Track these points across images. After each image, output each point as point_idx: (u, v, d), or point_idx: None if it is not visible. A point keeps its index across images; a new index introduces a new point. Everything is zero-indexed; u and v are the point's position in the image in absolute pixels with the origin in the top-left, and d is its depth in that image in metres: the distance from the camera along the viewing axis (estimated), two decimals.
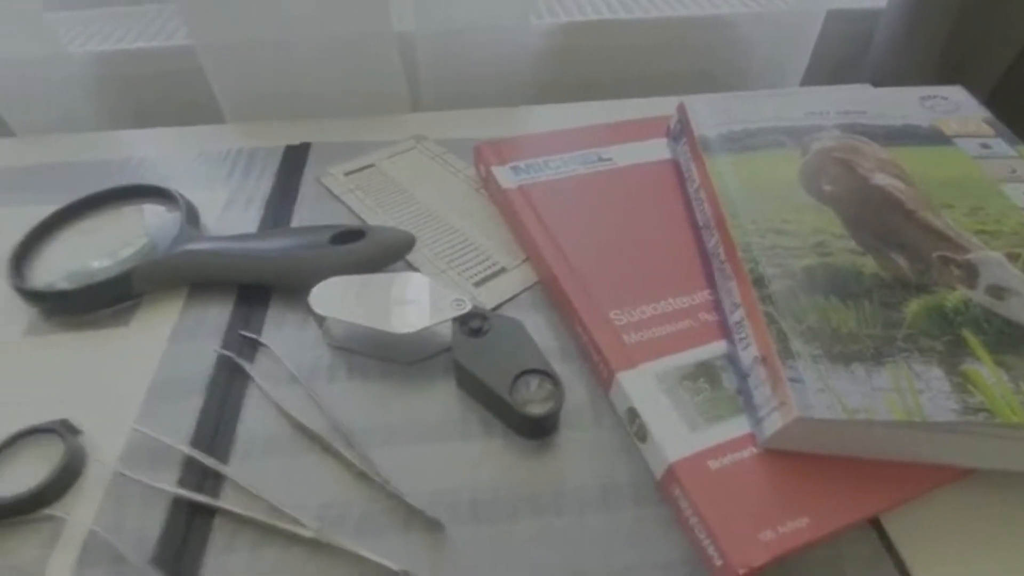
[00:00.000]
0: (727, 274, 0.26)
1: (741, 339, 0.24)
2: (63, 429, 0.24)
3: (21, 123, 0.47)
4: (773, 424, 0.21)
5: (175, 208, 0.34)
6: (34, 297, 0.30)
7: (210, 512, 0.23)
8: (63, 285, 0.30)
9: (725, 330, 0.26)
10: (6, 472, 0.24)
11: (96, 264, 0.31)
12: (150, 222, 0.34)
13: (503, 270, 0.33)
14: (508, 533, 0.22)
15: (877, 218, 0.27)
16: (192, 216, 0.34)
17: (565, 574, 0.21)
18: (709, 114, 0.35)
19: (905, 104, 0.36)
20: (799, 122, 0.33)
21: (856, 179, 0.29)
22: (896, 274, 0.25)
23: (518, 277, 0.32)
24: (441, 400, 0.27)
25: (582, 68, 0.54)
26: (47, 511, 0.23)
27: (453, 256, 0.34)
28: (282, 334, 0.29)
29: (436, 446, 0.25)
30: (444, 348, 0.28)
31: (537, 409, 0.24)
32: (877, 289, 0.24)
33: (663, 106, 0.41)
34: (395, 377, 0.28)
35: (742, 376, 0.24)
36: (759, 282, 0.25)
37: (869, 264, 0.25)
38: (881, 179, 0.29)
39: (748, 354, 0.24)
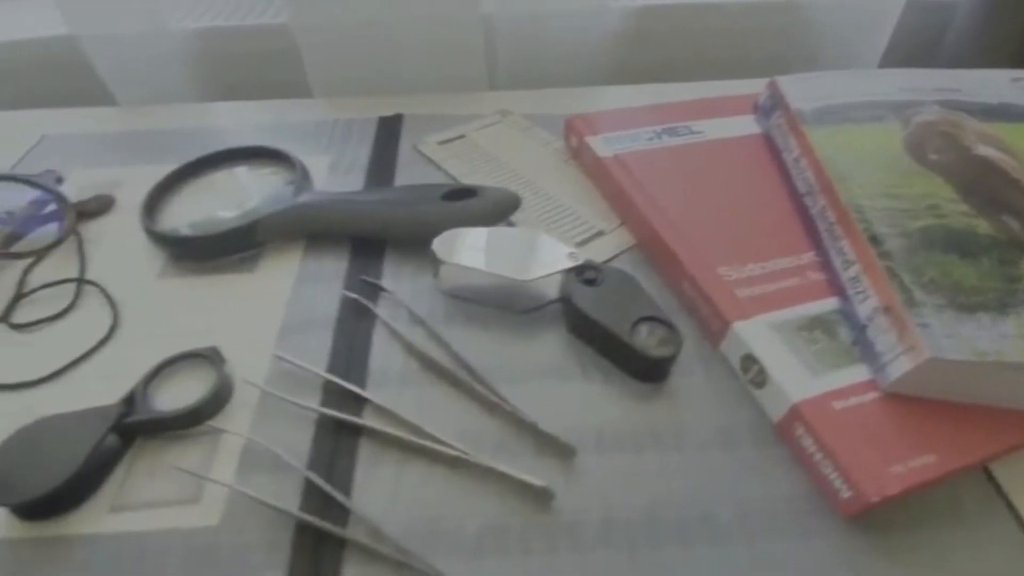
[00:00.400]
0: (837, 235, 0.27)
1: (858, 293, 0.25)
2: (214, 355, 0.27)
3: (124, 94, 0.50)
4: (900, 367, 0.22)
5: (289, 168, 0.36)
6: (167, 241, 0.32)
7: (355, 432, 0.25)
8: (190, 231, 0.33)
9: (836, 288, 0.27)
10: (163, 392, 0.26)
11: (223, 214, 0.33)
12: (268, 179, 0.36)
13: (600, 233, 0.34)
14: (635, 464, 0.24)
15: (984, 186, 0.28)
16: (306, 175, 0.36)
17: (693, 503, 0.22)
18: (801, 90, 0.36)
19: (997, 84, 0.36)
20: (895, 97, 0.34)
21: (961, 149, 0.30)
22: (1009, 235, 0.25)
23: (615, 240, 0.34)
24: (554, 346, 0.28)
25: (654, 51, 0.55)
26: (206, 425, 0.25)
27: (551, 219, 0.35)
28: (399, 284, 0.31)
29: (555, 386, 0.26)
30: (553, 299, 0.30)
31: (658, 351, 0.25)
32: (994, 248, 0.25)
33: (735, 89, 0.42)
34: (508, 324, 0.29)
35: (859, 328, 0.25)
36: (874, 240, 0.26)
37: (983, 225, 0.26)
38: (984, 150, 0.30)
39: (867, 306, 0.25)
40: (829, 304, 0.26)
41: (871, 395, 0.23)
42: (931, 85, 0.36)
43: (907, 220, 0.26)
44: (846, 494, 0.21)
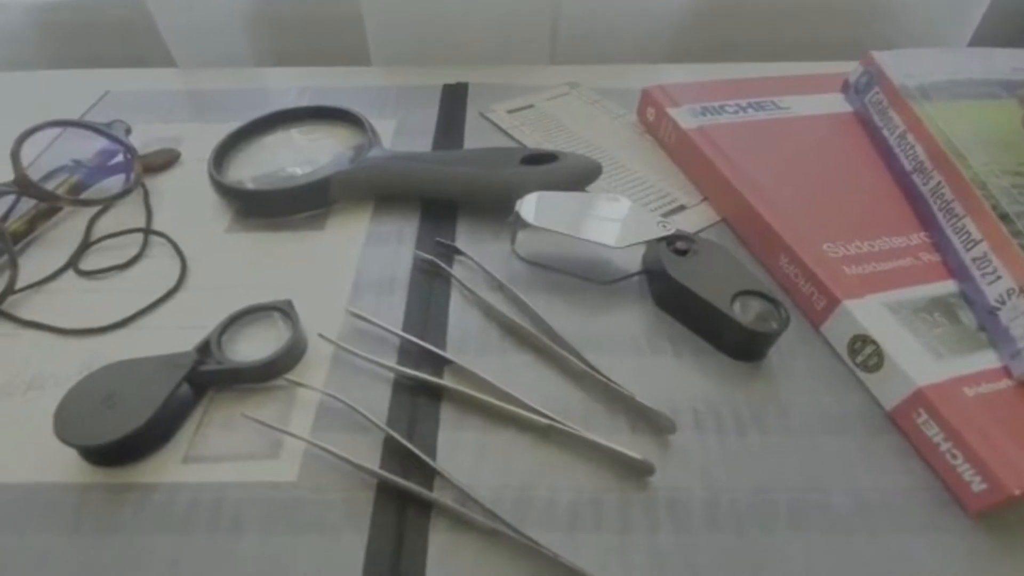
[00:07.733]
0: (957, 213, 0.25)
1: (985, 275, 0.23)
2: (288, 308, 0.25)
3: (184, 56, 0.49)
4: None
5: (358, 129, 0.35)
6: (238, 195, 0.31)
7: (435, 395, 0.23)
8: (258, 186, 0.32)
9: (954, 269, 0.25)
10: (236, 344, 0.25)
11: (293, 171, 0.32)
12: (336, 139, 0.35)
13: (683, 207, 0.32)
14: (737, 444, 0.22)
15: None
16: (376, 136, 0.35)
17: (805, 488, 0.21)
18: (902, 65, 0.34)
19: None
20: (1008, 76, 0.32)
21: None
22: None
23: (699, 215, 0.32)
24: (639, 318, 0.27)
25: (720, 32, 0.53)
26: (282, 379, 0.24)
27: (630, 191, 0.33)
28: (473, 248, 0.30)
29: (642, 359, 0.25)
30: (636, 271, 0.28)
31: (764, 327, 0.23)
32: None
33: (808, 71, 0.39)
34: (590, 294, 0.28)
35: (987, 312, 0.23)
36: (1005, 218, 0.23)
37: None
38: None
39: (997, 288, 0.22)
40: (947, 287, 0.24)
41: (1004, 383, 0.21)
42: None
43: None
44: (979, 487, 0.19)
